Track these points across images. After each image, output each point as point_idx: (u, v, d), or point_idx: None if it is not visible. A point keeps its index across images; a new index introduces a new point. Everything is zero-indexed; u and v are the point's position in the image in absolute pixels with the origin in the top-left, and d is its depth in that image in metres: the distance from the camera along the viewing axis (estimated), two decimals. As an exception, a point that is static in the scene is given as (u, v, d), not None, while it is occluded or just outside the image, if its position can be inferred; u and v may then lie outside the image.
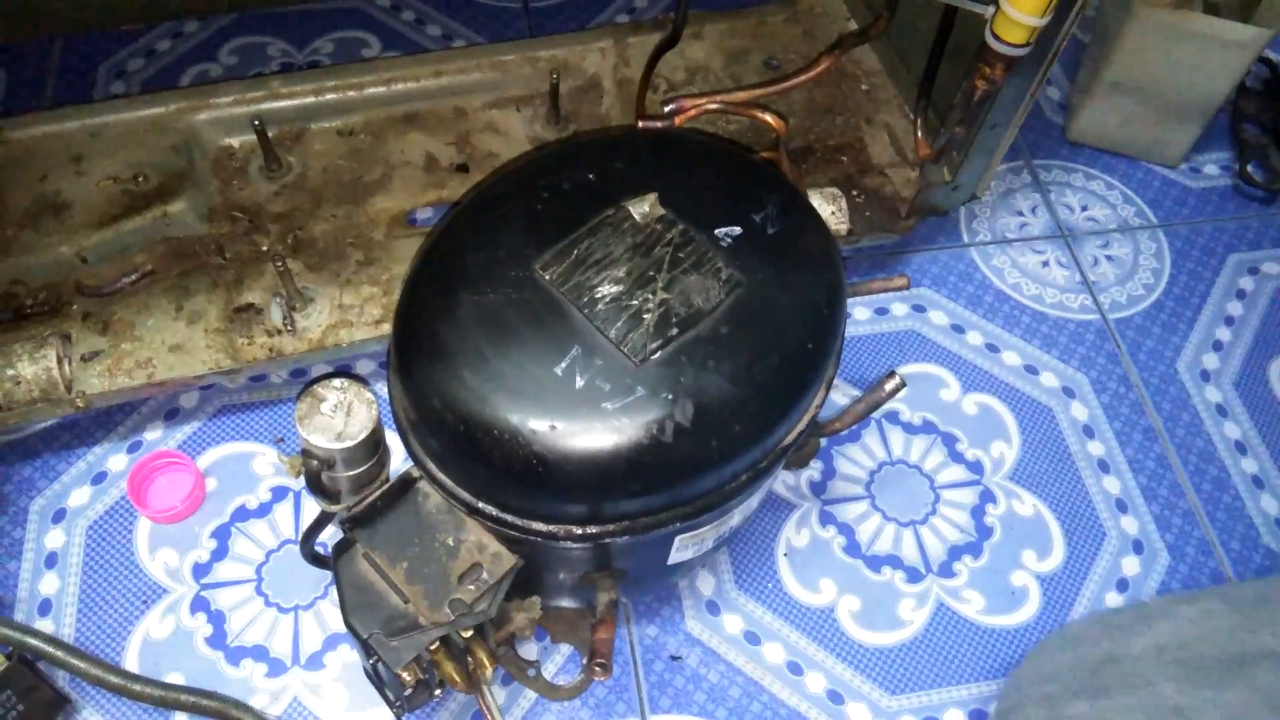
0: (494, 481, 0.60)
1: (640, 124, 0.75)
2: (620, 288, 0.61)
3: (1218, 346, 1.07)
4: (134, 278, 0.89)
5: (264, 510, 0.90)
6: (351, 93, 1.00)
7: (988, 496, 0.95)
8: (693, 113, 0.76)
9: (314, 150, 0.99)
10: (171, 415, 0.94)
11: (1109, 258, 1.12)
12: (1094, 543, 0.94)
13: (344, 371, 0.64)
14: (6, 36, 1.17)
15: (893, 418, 0.99)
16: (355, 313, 0.88)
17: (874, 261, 1.10)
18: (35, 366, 0.80)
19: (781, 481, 0.94)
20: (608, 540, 0.62)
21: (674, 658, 0.85)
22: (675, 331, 0.60)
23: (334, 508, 0.65)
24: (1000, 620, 0.89)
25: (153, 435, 0.93)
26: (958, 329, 1.05)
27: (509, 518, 0.61)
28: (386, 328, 0.87)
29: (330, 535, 0.69)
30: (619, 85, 1.04)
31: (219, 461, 0.92)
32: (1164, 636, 0.68)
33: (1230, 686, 0.62)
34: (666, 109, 0.75)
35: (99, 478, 0.91)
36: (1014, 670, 0.80)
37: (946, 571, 0.91)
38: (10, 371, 0.80)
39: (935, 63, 0.92)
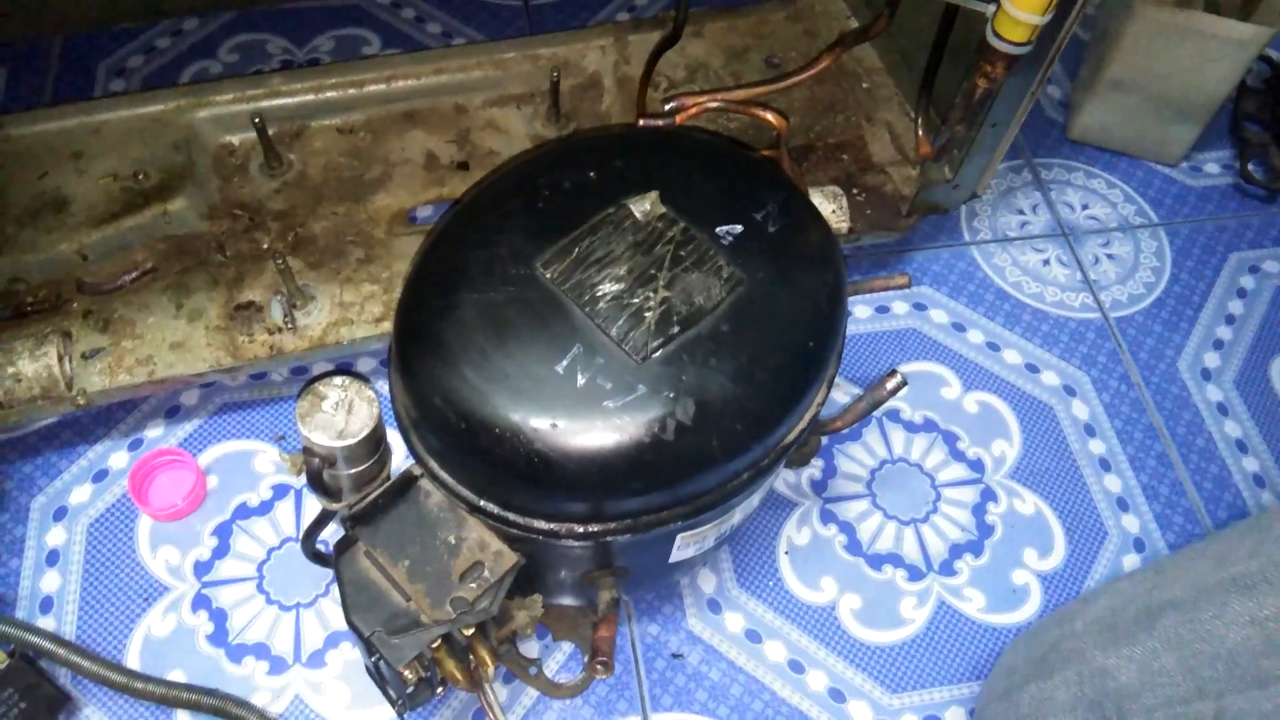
0: (495, 479, 0.60)
1: (641, 122, 0.75)
2: (621, 286, 0.61)
3: (1219, 345, 1.07)
4: (134, 275, 0.89)
5: (265, 508, 0.90)
6: (352, 90, 1.00)
7: (989, 495, 0.95)
8: (693, 111, 0.76)
9: (314, 148, 0.99)
10: (172, 413, 0.94)
11: (1110, 256, 1.12)
12: (1095, 541, 0.94)
13: (345, 369, 0.64)
14: (6, 34, 1.17)
15: (894, 416, 0.99)
16: (356, 310, 0.88)
17: (875, 260, 1.09)
18: (36, 364, 0.80)
19: (783, 480, 0.94)
20: (609, 538, 0.62)
21: (675, 656, 0.86)
22: (676, 330, 0.60)
23: (335, 505, 0.65)
24: (1001, 618, 0.89)
25: (154, 433, 0.93)
26: (959, 327, 1.05)
27: (510, 516, 0.61)
28: (387, 325, 0.87)
29: (332, 533, 0.69)
30: (619, 83, 1.04)
31: (220, 459, 0.92)
32: (1099, 610, 0.71)
33: (1141, 640, 0.64)
34: (667, 107, 0.75)
35: (100, 475, 0.91)
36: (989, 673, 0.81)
37: (948, 570, 0.91)
38: (11, 369, 0.80)
39: (936, 61, 0.92)
